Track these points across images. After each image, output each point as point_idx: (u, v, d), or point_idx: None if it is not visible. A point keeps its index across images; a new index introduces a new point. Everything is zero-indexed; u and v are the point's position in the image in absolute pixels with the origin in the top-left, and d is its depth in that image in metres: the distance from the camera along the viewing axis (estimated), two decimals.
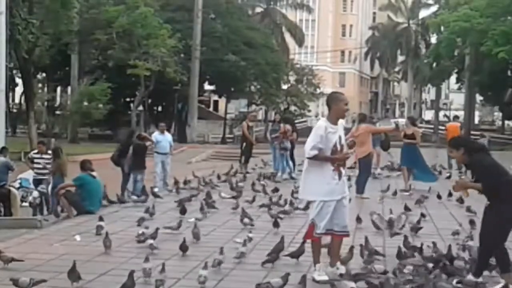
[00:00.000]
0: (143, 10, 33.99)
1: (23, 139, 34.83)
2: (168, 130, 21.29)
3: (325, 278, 6.81)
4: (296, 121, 37.02)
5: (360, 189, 13.85)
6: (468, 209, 10.97)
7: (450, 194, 13.36)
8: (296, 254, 7.66)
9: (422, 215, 10.49)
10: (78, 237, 9.15)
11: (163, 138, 16.47)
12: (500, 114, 59.61)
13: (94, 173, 11.81)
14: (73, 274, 6.48)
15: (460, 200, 12.31)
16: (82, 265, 7.45)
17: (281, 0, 61.81)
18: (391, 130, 16.86)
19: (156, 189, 14.43)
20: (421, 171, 15.39)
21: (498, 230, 6.48)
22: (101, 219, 9.68)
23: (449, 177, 17.77)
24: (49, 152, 14.47)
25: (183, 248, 8.07)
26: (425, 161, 15.91)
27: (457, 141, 6.95)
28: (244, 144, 19.71)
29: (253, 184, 14.70)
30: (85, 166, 11.85)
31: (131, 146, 15.03)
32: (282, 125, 18.57)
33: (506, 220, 6.44)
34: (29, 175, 14.94)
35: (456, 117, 24.37)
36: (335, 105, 6.98)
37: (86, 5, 33.12)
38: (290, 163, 18.99)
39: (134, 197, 12.97)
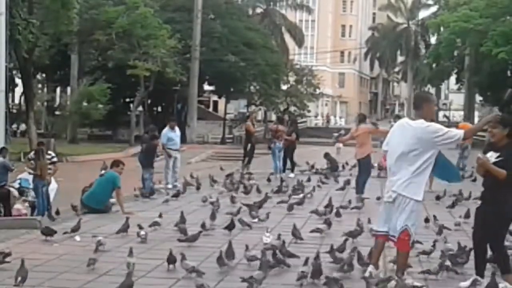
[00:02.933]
0: (142, 11, 33.94)
1: (22, 139, 34.81)
2: None
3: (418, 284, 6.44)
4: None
5: (360, 189, 13.85)
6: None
7: (437, 198, 13.48)
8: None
9: (426, 220, 10.40)
10: (78, 237, 9.16)
11: (174, 135, 16.37)
12: (500, 114, 59.40)
13: (103, 172, 12.65)
14: None
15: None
16: (82, 265, 7.46)
17: (281, 0, 61.77)
18: None
19: (169, 186, 15.32)
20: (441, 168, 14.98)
21: (504, 227, 6.64)
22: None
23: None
24: (49, 152, 14.44)
25: (170, 260, 7.44)
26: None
27: (508, 120, 6.70)
28: (249, 145, 19.73)
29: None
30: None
31: (145, 144, 15.68)
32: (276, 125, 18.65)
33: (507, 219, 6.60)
34: (28, 175, 14.89)
35: (467, 119, 23.11)
36: (427, 106, 6.79)
37: (86, 6, 33.04)
38: (277, 163, 18.88)
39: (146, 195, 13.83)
